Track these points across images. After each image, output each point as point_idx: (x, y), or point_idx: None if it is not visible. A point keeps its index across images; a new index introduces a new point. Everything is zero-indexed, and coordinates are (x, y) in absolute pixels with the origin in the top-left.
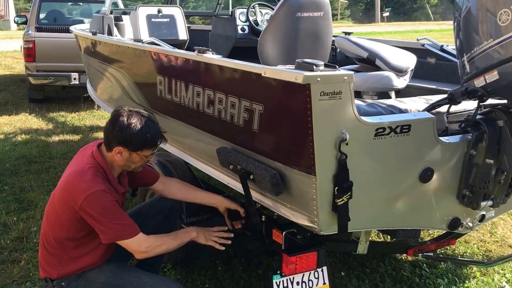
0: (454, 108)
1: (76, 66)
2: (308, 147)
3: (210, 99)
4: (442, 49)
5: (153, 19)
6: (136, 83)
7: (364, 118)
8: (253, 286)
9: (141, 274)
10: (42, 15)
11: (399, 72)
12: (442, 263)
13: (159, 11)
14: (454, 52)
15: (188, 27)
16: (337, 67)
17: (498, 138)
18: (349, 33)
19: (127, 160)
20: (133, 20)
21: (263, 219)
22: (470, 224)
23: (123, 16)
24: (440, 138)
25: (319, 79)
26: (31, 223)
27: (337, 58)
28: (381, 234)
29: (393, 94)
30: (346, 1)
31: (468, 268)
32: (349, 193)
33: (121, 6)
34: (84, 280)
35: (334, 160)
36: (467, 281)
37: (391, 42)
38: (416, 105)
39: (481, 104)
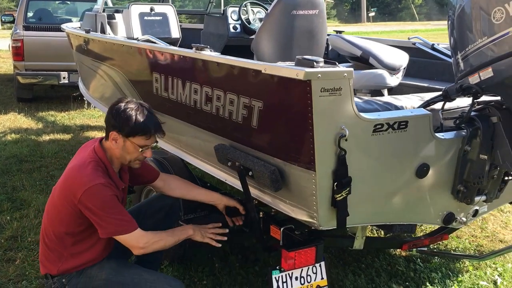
0: (448, 105)
1: (65, 65)
2: (308, 143)
3: (208, 96)
4: (433, 47)
5: (145, 17)
6: (131, 80)
7: (363, 114)
8: (251, 282)
9: (141, 271)
10: (29, 14)
11: (392, 70)
12: (436, 257)
13: (151, 9)
14: (445, 51)
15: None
16: (337, 63)
17: (492, 134)
18: (340, 32)
19: (122, 150)
20: (126, 18)
21: (261, 216)
22: (464, 219)
23: (116, 14)
24: (435, 134)
25: (319, 75)
26: (25, 222)
27: (329, 56)
28: (375, 230)
29: (385, 92)
30: (332, 1)
31: (460, 263)
32: (348, 189)
33: (110, 4)
34: (85, 277)
35: (333, 156)
36: (460, 275)
37: (382, 41)
38: (411, 102)
39: (475, 101)
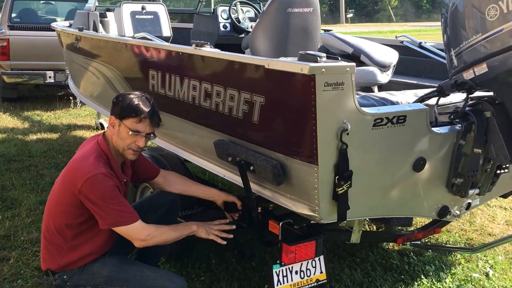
0: (442, 101)
1: (51, 64)
2: (311, 137)
3: (207, 93)
4: (420, 46)
5: (137, 16)
6: (126, 78)
7: (364, 108)
8: (248, 277)
9: (143, 268)
10: (14, 14)
11: (383, 67)
12: (429, 251)
13: (143, 8)
14: (432, 49)
15: None
16: (339, 58)
17: (486, 129)
18: (329, 31)
19: (117, 135)
20: (117, 16)
21: (259, 211)
22: (458, 212)
23: (108, 13)
24: (432, 128)
25: (323, 69)
26: (17, 221)
27: None
28: (367, 224)
29: (376, 89)
30: None
31: (453, 256)
32: (349, 182)
33: (96, 4)
34: (86, 274)
35: (335, 149)
36: (453, 268)
37: (370, 39)
38: (406, 98)
39: (469, 96)
